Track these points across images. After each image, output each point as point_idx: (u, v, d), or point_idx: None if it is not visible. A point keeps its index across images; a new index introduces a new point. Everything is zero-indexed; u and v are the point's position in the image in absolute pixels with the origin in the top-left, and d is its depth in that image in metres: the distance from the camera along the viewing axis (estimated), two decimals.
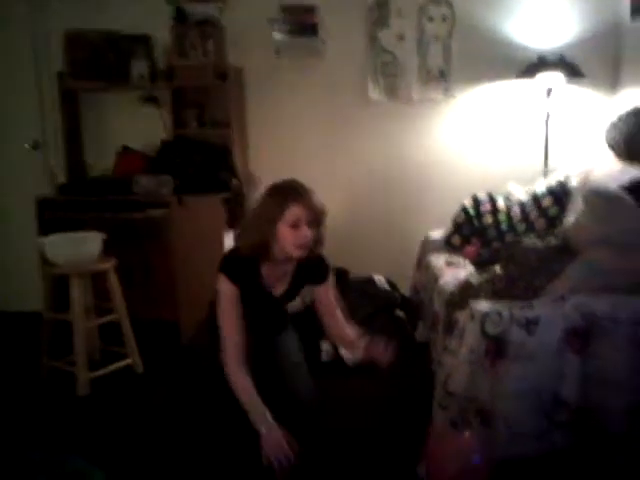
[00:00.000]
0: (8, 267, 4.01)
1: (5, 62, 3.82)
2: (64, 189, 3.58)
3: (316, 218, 1.93)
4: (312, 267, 2.08)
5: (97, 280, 3.04)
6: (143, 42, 3.66)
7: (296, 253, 1.94)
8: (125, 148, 3.70)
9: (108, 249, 3.04)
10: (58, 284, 2.96)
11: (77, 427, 2.54)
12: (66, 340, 2.91)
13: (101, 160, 3.80)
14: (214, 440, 2.06)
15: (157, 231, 3.61)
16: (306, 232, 1.90)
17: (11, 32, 3.78)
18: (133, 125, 3.76)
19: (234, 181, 3.41)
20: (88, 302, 3.02)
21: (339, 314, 2.14)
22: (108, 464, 2.11)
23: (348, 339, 2.11)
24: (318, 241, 2.00)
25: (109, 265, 2.97)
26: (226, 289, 1.95)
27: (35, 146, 3.88)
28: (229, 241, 3.35)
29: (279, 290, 2.08)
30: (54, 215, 3.45)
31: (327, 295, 2.13)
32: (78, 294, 2.85)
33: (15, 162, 3.92)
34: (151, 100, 3.65)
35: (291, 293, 2.12)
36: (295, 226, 1.89)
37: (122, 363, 3.02)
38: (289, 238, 1.90)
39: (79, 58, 3.60)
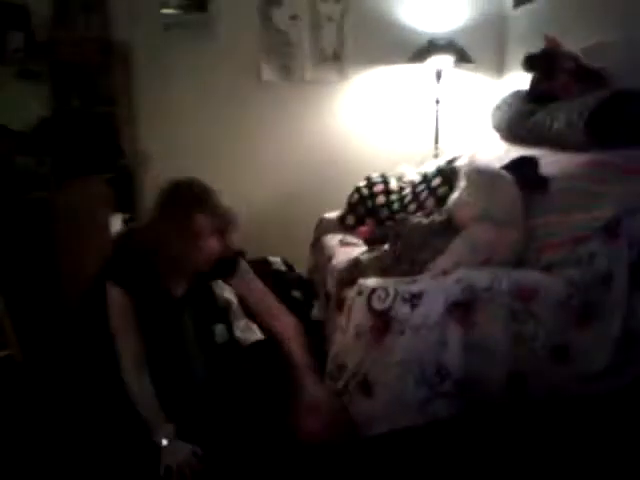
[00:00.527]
0: None
1: None
2: None
3: (223, 226, 1.79)
4: (217, 263, 1.90)
5: None
6: (19, 12, 3.39)
7: (205, 267, 1.81)
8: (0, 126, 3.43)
9: None
10: None
11: None
12: None
13: None
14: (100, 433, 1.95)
15: (39, 215, 3.38)
16: (212, 244, 1.76)
17: None
18: (8, 102, 3.47)
19: (121, 161, 3.25)
20: None
21: (275, 310, 2.00)
22: None
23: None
24: (227, 247, 1.84)
25: None
26: (118, 300, 1.78)
27: None
28: (117, 224, 3.20)
29: (179, 291, 1.93)
30: None
31: (246, 290, 2.01)
32: None
33: None
34: (28, 75, 3.39)
35: (193, 292, 1.98)
36: (200, 237, 1.75)
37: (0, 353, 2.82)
38: (194, 251, 1.76)
39: None
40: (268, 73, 3.67)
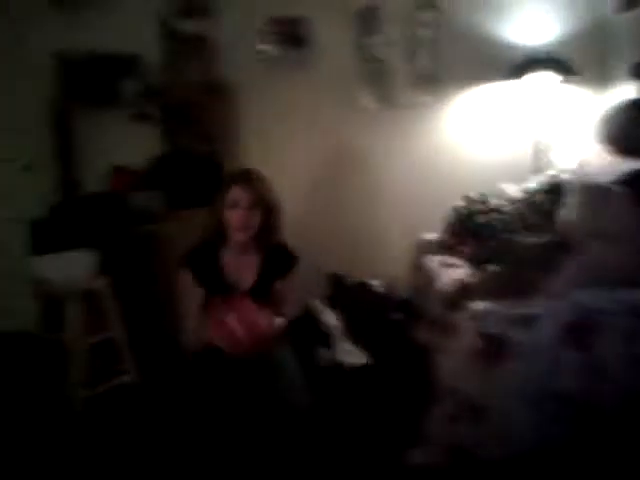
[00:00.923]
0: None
1: None
2: (57, 209, 3.57)
3: (257, 200, 1.98)
4: (278, 257, 2.11)
5: (94, 297, 2.99)
6: (133, 61, 3.65)
7: (237, 236, 2.00)
8: (117, 166, 3.69)
9: (104, 267, 3.03)
10: (50, 304, 2.95)
11: (72, 447, 2.52)
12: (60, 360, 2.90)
13: (94, 180, 3.78)
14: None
15: (153, 246, 3.59)
16: (244, 213, 1.97)
17: None
18: (126, 143, 3.71)
19: None
20: (83, 321, 2.97)
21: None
22: None
23: None
24: (269, 228, 2.04)
25: (103, 283, 2.96)
26: (187, 284, 2.04)
27: (27, 167, 3.86)
28: None
29: (246, 282, 2.07)
30: (47, 235, 3.42)
31: (283, 287, 2.12)
32: (72, 314, 2.84)
33: (6, 184, 3.88)
34: (143, 117, 3.64)
35: (261, 285, 2.09)
36: (234, 207, 1.98)
37: (120, 380, 2.99)
38: (229, 219, 1.99)
39: (68, 79, 3.60)
40: (365, 100, 3.72)
